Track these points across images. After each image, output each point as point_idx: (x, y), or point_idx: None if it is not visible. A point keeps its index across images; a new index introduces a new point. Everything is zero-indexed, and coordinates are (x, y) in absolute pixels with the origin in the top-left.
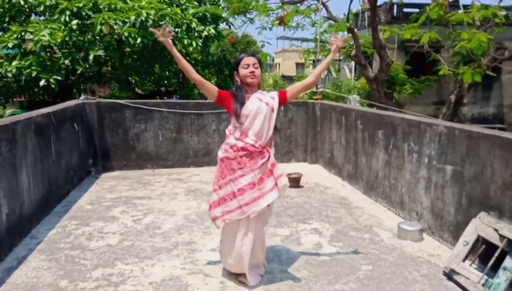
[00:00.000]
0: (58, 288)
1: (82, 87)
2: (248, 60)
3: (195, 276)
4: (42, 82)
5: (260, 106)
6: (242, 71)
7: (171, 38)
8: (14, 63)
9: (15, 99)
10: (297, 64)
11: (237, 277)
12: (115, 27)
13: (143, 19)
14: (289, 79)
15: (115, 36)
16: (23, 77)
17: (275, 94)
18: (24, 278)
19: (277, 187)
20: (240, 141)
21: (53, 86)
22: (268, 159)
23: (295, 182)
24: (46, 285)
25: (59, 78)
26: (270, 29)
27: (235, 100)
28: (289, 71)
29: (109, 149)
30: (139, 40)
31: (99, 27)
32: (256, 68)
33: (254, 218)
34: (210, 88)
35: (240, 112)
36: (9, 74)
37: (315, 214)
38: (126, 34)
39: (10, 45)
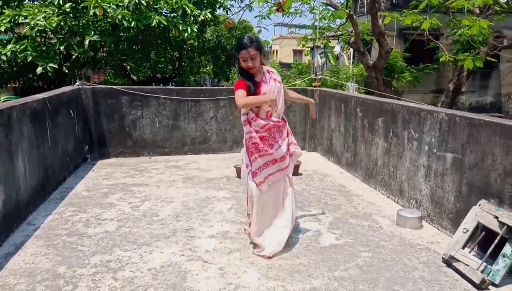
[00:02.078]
0: (56, 274)
1: (76, 73)
2: (244, 54)
3: (194, 263)
4: (39, 70)
5: (277, 86)
6: (242, 62)
7: None
8: (9, 46)
9: (9, 86)
10: (295, 51)
11: (255, 248)
12: (108, 10)
13: (137, 1)
14: (287, 66)
15: (109, 20)
16: (18, 61)
17: (275, 70)
18: (22, 264)
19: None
20: (269, 121)
21: (50, 74)
22: (286, 124)
23: (293, 169)
24: (44, 271)
25: (56, 66)
26: (269, 18)
27: (251, 88)
28: (286, 58)
29: (105, 135)
30: (133, 23)
31: (92, 10)
32: (254, 58)
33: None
34: (243, 100)
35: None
36: (3, 58)
37: (314, 202)
38: (119, 17)
39: (2, 29)
